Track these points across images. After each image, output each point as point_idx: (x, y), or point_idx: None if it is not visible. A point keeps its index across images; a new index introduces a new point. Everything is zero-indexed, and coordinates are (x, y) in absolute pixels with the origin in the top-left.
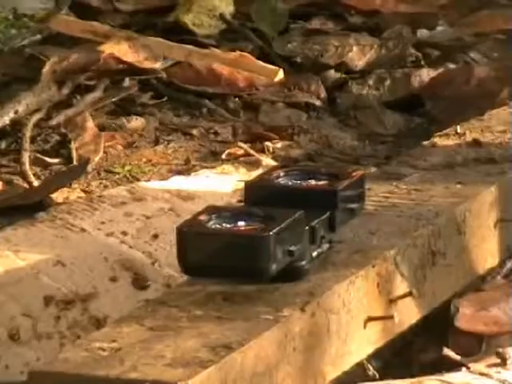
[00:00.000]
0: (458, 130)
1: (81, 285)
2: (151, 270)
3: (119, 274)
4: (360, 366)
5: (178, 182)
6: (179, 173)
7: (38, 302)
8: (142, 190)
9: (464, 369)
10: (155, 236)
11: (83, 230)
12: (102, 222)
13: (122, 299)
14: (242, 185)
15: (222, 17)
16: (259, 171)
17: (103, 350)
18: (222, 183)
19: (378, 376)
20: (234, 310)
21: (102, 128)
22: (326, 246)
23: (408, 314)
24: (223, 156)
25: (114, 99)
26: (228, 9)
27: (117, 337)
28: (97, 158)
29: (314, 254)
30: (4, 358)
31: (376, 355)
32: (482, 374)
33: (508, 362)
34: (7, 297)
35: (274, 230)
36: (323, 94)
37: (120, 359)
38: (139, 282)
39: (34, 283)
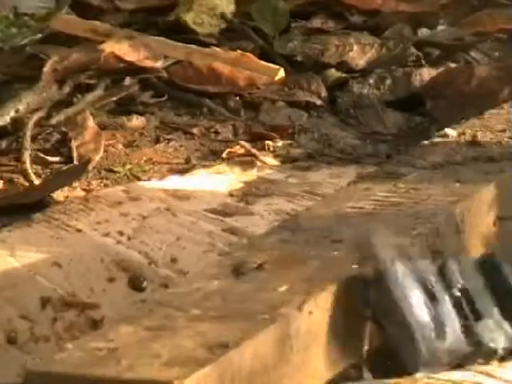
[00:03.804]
0: (458, 130)
1: (77, 286)
2: (148, 269)
3: (116, 274)
4: (357, 366)
5: (173, 182)
6: (179, 172)
7: (34, 303)
8: (138, 189)
9: (464, 367)
10: (151, 236)
11: (79, 230)
12: (98, 223)
13: (119, 300)
14: (238, 184)
15: (222, 16)
16: (254, 171)
17: (100, 349)
18: (217, 183)
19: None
20: (231, 309)
21: (102, 127)
22: None
23: None
24: (224, 155)
25: (114, 98)
26: (229, 8)
27: (113, 337)
28: (97, 157)
29: None
30: (1, 361)
31: (374, 354)
32: (480, 372)
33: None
34: (3, 299)
35: None
36: (324, 93)
37: (116, 359)
38: (136, 282)
39: (31, 285)
